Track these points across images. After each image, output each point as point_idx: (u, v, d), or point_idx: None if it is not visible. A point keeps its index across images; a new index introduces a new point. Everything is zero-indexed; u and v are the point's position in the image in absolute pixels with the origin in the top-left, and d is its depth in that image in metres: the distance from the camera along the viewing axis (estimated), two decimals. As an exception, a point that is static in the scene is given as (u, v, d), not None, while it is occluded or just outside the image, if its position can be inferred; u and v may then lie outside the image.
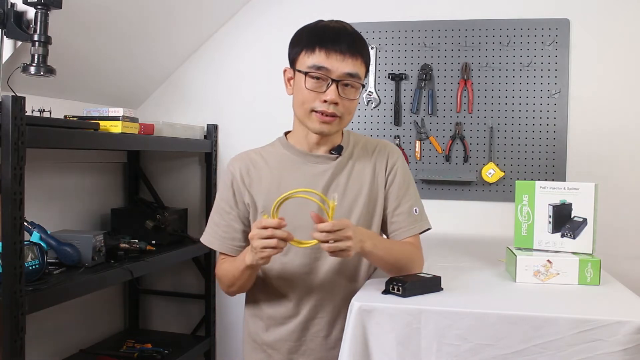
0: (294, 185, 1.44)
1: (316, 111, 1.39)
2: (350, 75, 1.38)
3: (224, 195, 1.50)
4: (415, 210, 1.51)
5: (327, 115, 1.39)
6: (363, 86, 1.45)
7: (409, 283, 1.30)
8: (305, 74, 1.38)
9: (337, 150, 1.50)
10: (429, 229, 1.53)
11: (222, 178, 1.53)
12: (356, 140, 1.56)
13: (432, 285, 1.35)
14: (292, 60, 1.44)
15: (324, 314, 1.48)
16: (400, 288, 1.30)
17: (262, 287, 1.52)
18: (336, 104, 1.38)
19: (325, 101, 1.38)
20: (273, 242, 1.25)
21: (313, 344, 1.49)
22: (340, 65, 1.37)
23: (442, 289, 1.35)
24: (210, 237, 1.51)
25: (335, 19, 1.47)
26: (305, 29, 1.45)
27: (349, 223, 1.28)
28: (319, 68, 1.37)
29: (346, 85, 1.39)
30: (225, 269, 1.49)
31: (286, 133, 1.56)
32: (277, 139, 1.56)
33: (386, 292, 1.33)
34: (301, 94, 1.40)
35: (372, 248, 1.35)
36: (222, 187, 1.52)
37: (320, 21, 1.46)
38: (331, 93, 1.37)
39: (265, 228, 1.26)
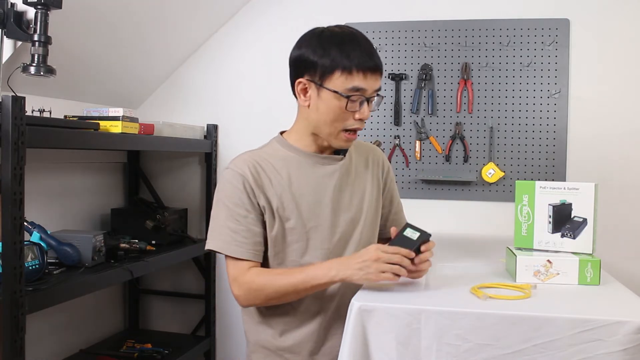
0: (305, 186, 1.45)
1: (347, 129, 1.41)
2: (378, 89, 1.41)
3: (236, 199, 1.41)
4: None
5: (355, 132, 1.42)
6: None
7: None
8: (348, 97, 1.36)
9: (343, 151, 1.52)
10: None
11: (228, 181, 1.42)
12: None
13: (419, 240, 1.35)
14: (321, 75, 1.37)
15: (346, 313, 1.47)
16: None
17: None
18: None
19: (359, 119, 1.40)
20: (396, 268, 1.29)
21: (333, 342, 1.47)
22: (374, 84, 1.39)
23: (430, 235, 1.36)
24: (226, 245, 1.41)
25: (335, 20, 1.47)
26: (324, 39, 1.38)
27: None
28: (357, 90, 1.36)
29: (373, 101, 1.42)
30: (273, 280, 1.39)
31: (281, 133, 1.54)
32: (273, 140, 1.53)
33: None
34: (333, 113, 1.39)
35: None
36: (230, 190, 1.41)
37: (334, 30, 1.41)
38: (367, 111, 1.39)
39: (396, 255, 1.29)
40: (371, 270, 1.29)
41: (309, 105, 1.42)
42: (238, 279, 1.41)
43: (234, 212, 1.41)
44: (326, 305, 1.47)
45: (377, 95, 1.43)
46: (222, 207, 1.43)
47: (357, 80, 1.35)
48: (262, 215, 1.43)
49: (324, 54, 1.36)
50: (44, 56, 1.73)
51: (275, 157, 1.47)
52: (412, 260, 1.31)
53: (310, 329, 1.47)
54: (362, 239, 1.50)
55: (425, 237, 1.35)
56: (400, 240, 1.34)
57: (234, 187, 1.41)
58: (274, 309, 1.48)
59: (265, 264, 1.46)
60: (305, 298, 1.45)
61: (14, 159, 1.52)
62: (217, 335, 2.76)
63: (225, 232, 1.41)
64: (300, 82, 1.41)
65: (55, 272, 1.84)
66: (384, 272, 1.28)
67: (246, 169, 1.42)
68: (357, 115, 1.39)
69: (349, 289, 1.45)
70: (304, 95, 1.42)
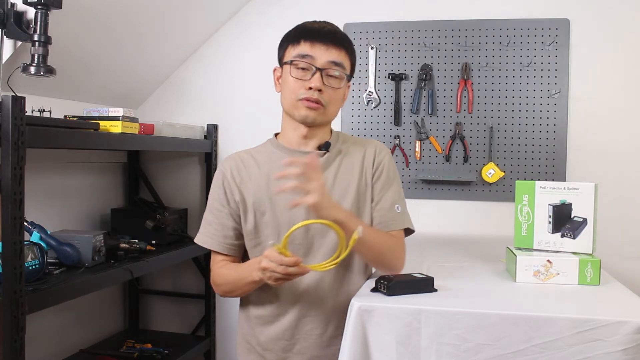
0: (282, 182, 1.44)
1: (301, 99, 1.44)
2: (335, 63, 1.44)
3: (216, 194, 1.52)
4: (397, 207, 1.50)
5: (312, 102, 1.44)
6: (350, 78, 1.50)
7: (395, 282, 1.29)
8: (291, 62, 1.45)
9: (325, 146, 1.51)
10: (412, 232, 1.53)
11: (214, 178, 1.55)
12: (345, 138, 1.58)
13: (423, 285, 1.33)
14: (280, 58, 1.52)
15: (316, 311, 1.47)
16: (386, 287, 1.30)
17: None
18: (320, 91, 1.43)
19: (310, 88, 1.43)
20: (287, 277, 1.30)
21: (307, 342, 1.48)
22: (324, 54, 1.43)
23: (435, 290, 1.34)
24: (203, 237, 1.53)
25: (335, 20, 1.54)
26: (291, 29, 1.52)
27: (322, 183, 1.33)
28: (303, 56, 1.44)
29: (330, 75, 1.44)
30: (225, 275, 1.49)
31: (276, 134, 1.58)
32: (267, 140, 1.59)
33: (375, 290, 1.34)
34: (287, 85, 1.46)
35: (347, 220, 1.33)
36: (213, 186, 1.54)
37: (306, 22, 1.53)
38: (315, 80, 1.43)
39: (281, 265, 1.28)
40: (266, 278, 1.32)
41: (280, 90, 1.51)
42: (211, 270, 1.53)
43: (212, 207, 1.53)
44: (290, 306, 1.48)
45: (336, 69, 1.44)
46: (209, 202, 1.55)
47: (303, 48, 1.44)
48: (238, 210, 1.50)
49: (286, 38, 1.51)
50: (44, 56, 1.73)
51: (261, 154, 1.54)
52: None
53: (281, 327, 1.49)
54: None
55: (427, 284, 1.34)
56: None
57: (216, 183, 1.53)
58: (253, 303, 1.52)
59: (246, 257, 1.53)
60: (273, 298, 1.49)
61: (14, 159, 1.52)
62: (217, 335, 2.76)
63: (204, 225, 1.54)
64: (275, 70, 1.55)
65: (55, 272, 1.84)
66: (278, 279, 1.30)
67: (228, 166, 1.52)
68: (306, 84, 1.43)
69: (314, 290, 1.46)
70: (278, 82, 1.52)
